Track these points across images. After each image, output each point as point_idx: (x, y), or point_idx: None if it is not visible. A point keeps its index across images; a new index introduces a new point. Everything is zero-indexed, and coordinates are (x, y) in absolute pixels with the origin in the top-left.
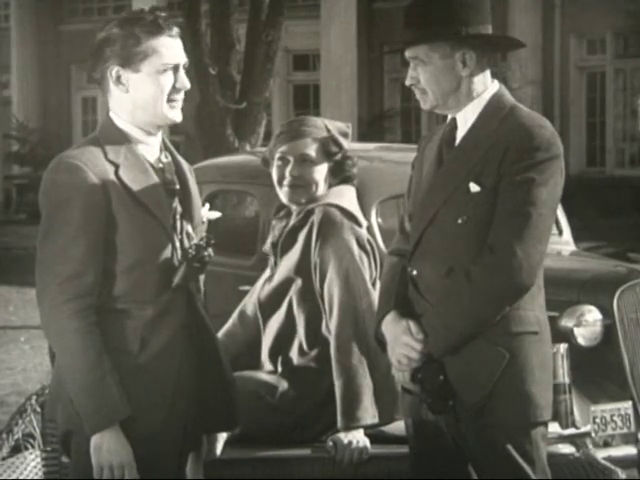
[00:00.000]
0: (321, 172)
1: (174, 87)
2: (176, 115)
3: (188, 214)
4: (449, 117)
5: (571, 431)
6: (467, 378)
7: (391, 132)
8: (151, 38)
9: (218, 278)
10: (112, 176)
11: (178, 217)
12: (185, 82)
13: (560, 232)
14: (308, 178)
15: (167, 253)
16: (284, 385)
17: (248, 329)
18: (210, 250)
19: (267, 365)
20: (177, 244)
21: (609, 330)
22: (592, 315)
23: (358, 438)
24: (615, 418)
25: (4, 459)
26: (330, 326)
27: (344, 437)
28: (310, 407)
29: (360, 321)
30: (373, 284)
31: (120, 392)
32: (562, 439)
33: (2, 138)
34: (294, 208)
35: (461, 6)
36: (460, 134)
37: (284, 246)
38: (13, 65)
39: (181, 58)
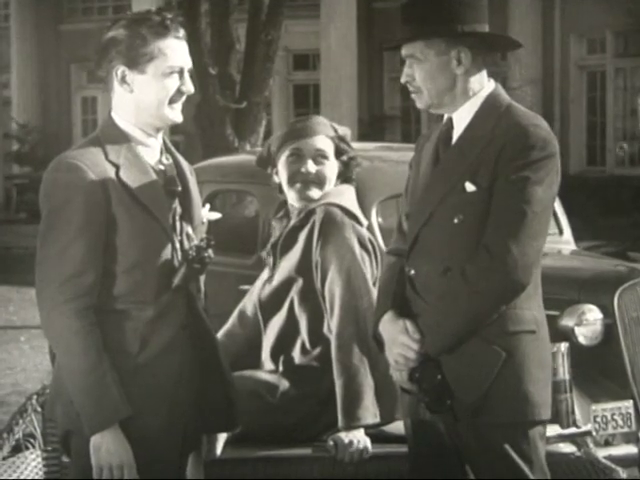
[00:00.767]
0: (334, 170)
1: (179, 90)
2: (177, 116)
3: (188, 215)
4: (445, 117)
5: (572, 430)
6: (464, 377)
7: (391, 132)
8: (158, 39)
9: (218, 277)
10: (112, 176)
11: (178, 218)
12: (190, 86)
13: (560, 231)
14: (323, 175)
15: (167, 254)
16: (285, 384)
17: (248, 329)
18: (210, 251)
19: (267, 365)
20: (177, 245)
21: (610, 329)
22: (593, 314)
23: (359, 438)
24: (616, 417)
25: (5, 459)
26: (331, 325)
27: (345, 437)
28: (311, 406)
29: (361, 320)
30: (374, 283)
31: (120, 392)
32: (563, 438)
33: (2, 138)
34: (295, 207)
35: (457, 4)
36: (456, 133)
37: (284, 246)
38: (13, 65)
39: (187, 62)
